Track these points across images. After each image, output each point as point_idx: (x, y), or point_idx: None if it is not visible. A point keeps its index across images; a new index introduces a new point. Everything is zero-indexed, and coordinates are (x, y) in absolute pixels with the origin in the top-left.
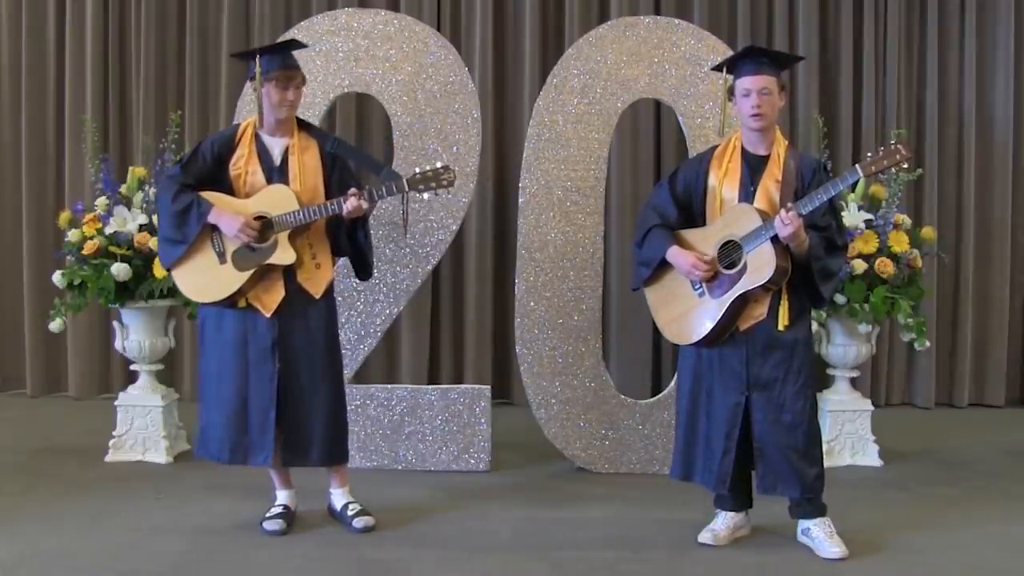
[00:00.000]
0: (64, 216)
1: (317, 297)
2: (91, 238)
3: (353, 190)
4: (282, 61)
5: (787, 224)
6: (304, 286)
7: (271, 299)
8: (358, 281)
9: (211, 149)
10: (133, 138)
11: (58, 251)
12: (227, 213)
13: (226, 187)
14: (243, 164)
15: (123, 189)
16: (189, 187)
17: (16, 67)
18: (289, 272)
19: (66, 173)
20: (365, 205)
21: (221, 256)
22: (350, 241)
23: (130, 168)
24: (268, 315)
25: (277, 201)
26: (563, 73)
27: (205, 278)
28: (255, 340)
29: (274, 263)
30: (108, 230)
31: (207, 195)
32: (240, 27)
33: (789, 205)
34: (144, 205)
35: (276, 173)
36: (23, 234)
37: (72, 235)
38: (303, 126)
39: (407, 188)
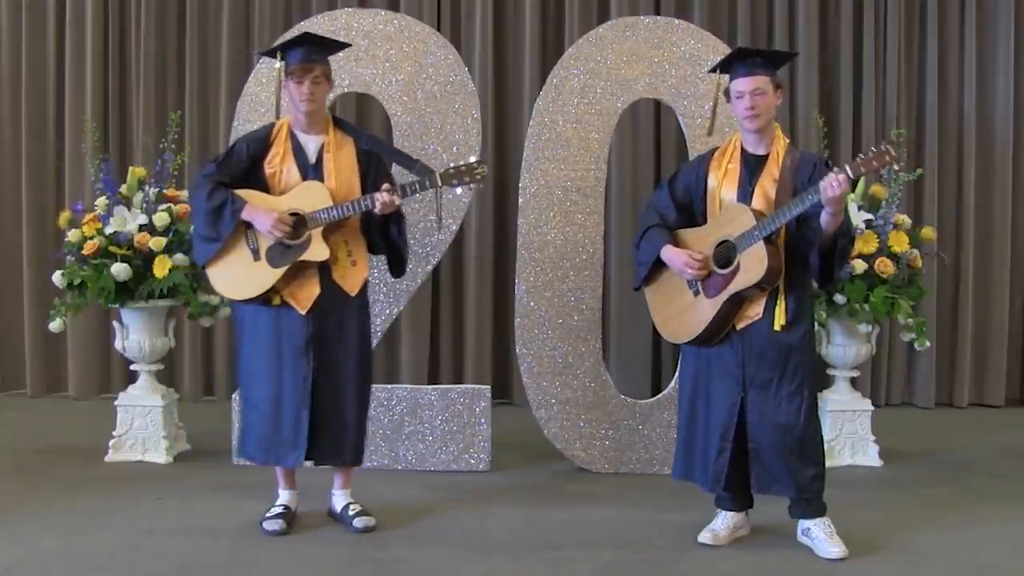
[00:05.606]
0: (64, 216)
1: (352, 295)
2: (91, 238)
3: (386, 185)
4: (300, 55)
5: (838, 186)
6: (339, 283)
7: (306, 296)
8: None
9: (246, 148)
10: (133, 138)
11: (58, 251)
12: (261, 210)
13: (261, 185)
14: (278, 162)
15: (123, 189)
16: (224, 185)
17: (16, 67)
18: (324, 269)
19: (66, 173)
20: (397, 200)
21: (255, 253)
22: (383, 237)
23: (130, 168)
24: (303, 312)
25: (310, 198)
26: (563, 73)
27: (239, 275)
28: (290, 339)
29: (308, 259)
30: (108, 230)
31: (241, 192)
32: (240, 27)
33: (836, 168)
34: (144, 205)
35: (311, 171)
36: (23, 234)
37: (72, 235)
38: (338, 123)
39: (440, 183)
